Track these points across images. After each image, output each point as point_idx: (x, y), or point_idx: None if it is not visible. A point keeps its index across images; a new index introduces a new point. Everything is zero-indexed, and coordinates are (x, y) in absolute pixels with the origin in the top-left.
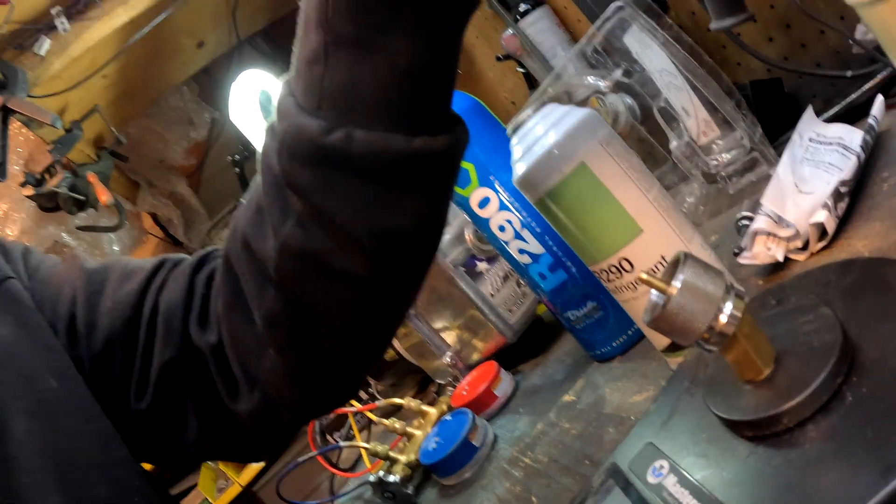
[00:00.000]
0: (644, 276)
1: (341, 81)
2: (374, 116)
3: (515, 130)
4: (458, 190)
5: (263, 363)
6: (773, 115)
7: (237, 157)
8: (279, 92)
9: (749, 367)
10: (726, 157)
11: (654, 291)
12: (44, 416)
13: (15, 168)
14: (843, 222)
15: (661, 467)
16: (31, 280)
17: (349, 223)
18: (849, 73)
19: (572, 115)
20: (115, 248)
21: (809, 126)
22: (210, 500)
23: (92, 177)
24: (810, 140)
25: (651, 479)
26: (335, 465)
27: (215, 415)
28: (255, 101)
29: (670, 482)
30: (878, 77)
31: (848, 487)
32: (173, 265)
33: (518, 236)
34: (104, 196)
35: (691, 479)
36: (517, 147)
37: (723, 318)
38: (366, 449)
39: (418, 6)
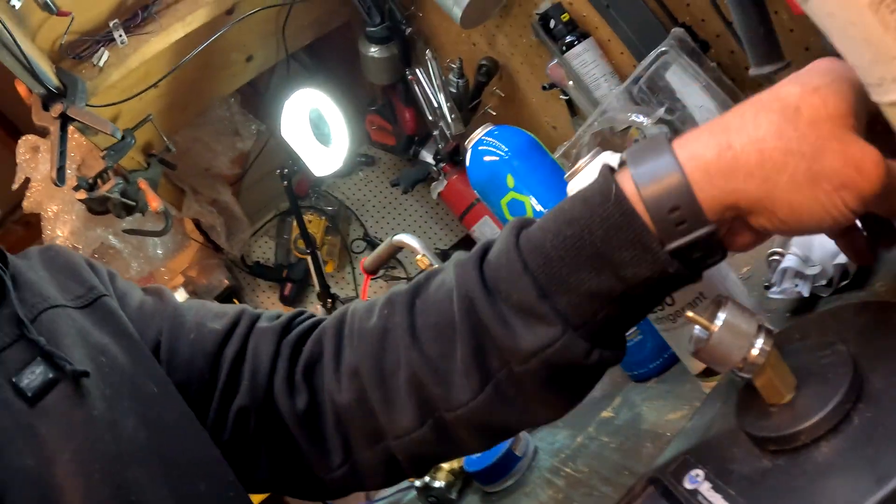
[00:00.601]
0: (690, 314)
1: (612, 318)
2: (619, 342)
3: (573, 175)
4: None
5: (369, 454)
6: None
7: (286, 170)
8: (511, 273)
9: (774, 393)
10: None
11: (697, 327)
12: (148, 416)
13: (67, 172)
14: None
15: (697, 476)
16: (119, 303)
17: (557, 403)
18: None
19: None
20: (159, 251)
21: None
22: None
23: (143, 183)
24: None
25: (688, 486)
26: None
27: (290, 467)
28: (306, 119)
29: (705, 488)
30: None
31: (848, 492)
32: (255, 318)
33: None
34: (155, 202)
35: (723, 485)
36: (573, 190)
37: (754, 352)
38: None
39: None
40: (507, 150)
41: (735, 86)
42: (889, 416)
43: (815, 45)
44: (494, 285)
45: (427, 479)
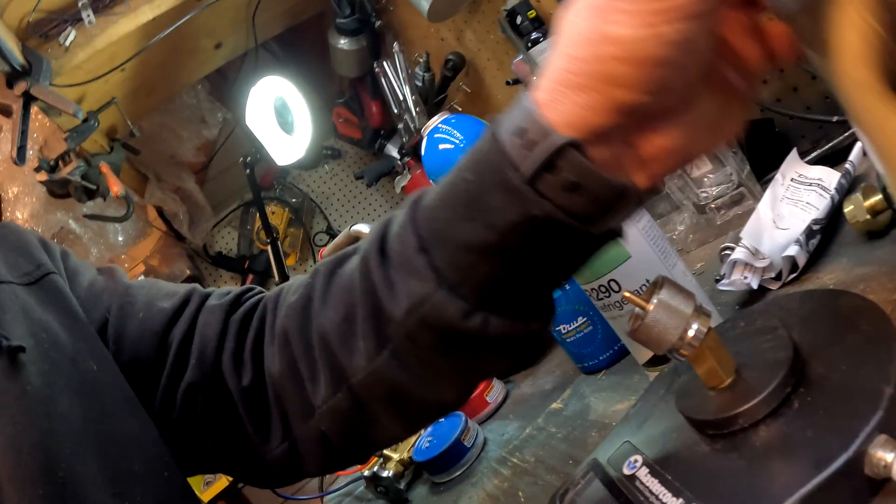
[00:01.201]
0: (627, 294)
1: (496, 277)
2: (512, 307)
3: None
4: None
5: (304, 429)
6: (763, 152)
7: (249, 159)
8: (397, 228)
9: (713, 376)
10: (715, 190)
11: (635, 307)
12: (86, 395)
13: (29, 153)
14: (814, 256)
15: (636, 461)
16: (69, 282)
17: (447, 379)
18: (835, 119)
19: None
20: (120, 238)
21: (792, 167)
22: (196, 492)
23: (105, 167)
24: (792, 180)
25: (626, 471)
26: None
27: (235, 446)
28: (270, 106)
29: (643, 473)
30: None
31: (788, 475)
32: (205, 296)
33: None
34: (116, 187)
35: (660, 469)
36: None
37: (690, 333)
38: None
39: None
40: (462, 138)
41: None
42: (829, 400)
43: None
44: (388, 245)
45: (375, 468)
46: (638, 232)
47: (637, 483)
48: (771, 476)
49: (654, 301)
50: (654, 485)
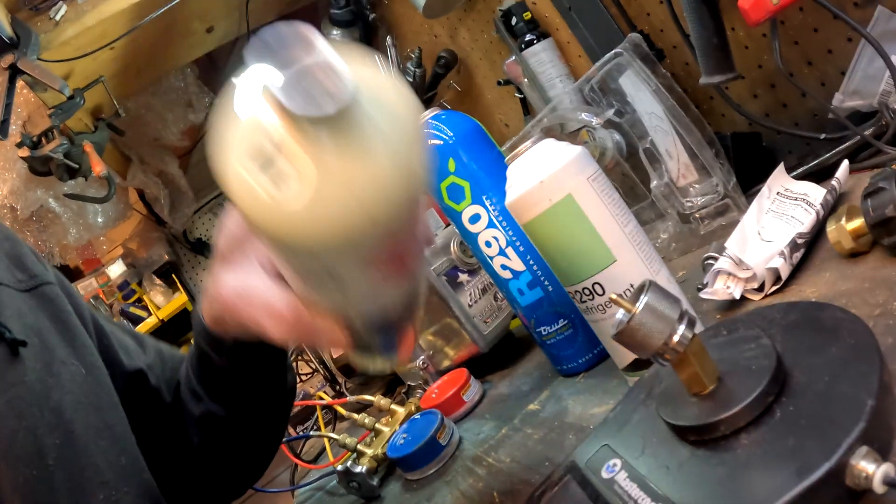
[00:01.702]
0: (613, 296)
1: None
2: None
3: (514, 159)
4: (451, 204)
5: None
6: (749, 165)
7: None
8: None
9: (696, 382)
10: (701, 200)
11: (620, 310)
12: (75, 394)
13: (12, 128)
14: (797, 270)
15: (615, 465)
16: (69, 296)
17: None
18: (822, 136)
19: (566, 152)
20: (99, 219)
21: (779, 181)
22: None
23: (88, 146)
24: (778, 193)
25: (605, 475)
26: (298, 456)
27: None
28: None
29: (621, 477)
30: (849, 143)
31: (769, 483)
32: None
33: (502, 253)
34: (98, 166)
35: (639, 474)
36: (513, 174)
37: (675, 338)
38: (334, 440)
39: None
40: (451, 134)
41: (686, 96)
42: (812, 409)
43: (769, 64)
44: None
45: (348, 463)
46: (624, 236)
47: (615, 487)
48: (752, 484)
49: (640, 304)
50: (633, 489)
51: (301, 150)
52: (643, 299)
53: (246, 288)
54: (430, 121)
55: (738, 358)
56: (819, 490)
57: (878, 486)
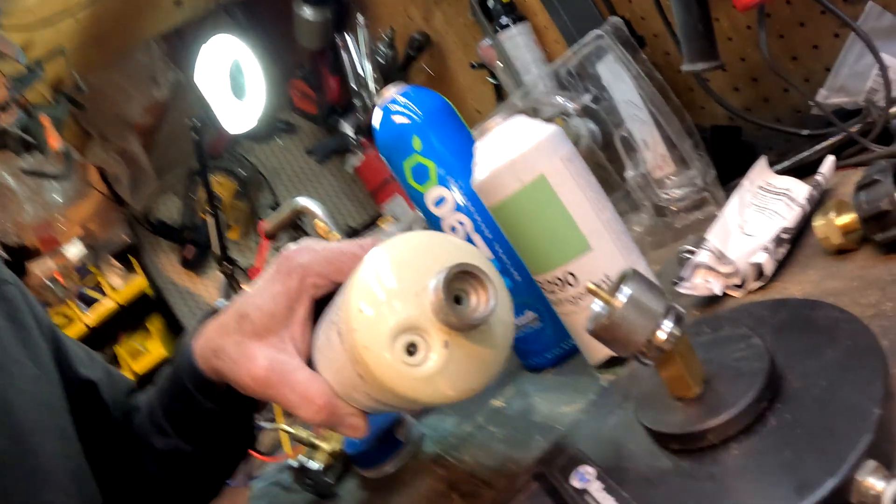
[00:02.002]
0: (591, 285)
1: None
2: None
3: (480, 135)
4: (415, 185)
5: None
6: (728, 160)
7: (196, 122)
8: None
9: (681, 385)
10: (678, 192)
11: (598, 302)
12: (29, 393)
13: None
14: (781, 267)
15: (587, 473)
16: (28, 302)
17: None
18: (805, 132)
19: (539, 130)
20: (58, 197)
21: (761, 175)
22: None
23: (45, 120)
24: (759, 187)
25: (576, 484)
26: (254, 448)
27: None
28: (225, 67)
29: (595, 487)
30: (832, 139)
31: (764, 500)
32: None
33: (468, 239)
34: (55, 141)
35: (616, 485)
36: (481, 152)
37: (661, 335)
38: (289, 433)
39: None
40: (419, 112)
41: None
42: (810, 418)
43: (752, 57)
44: None
45: (303, 458)
46: (600, 223)
47: (588, 498)
48: (746, 500)
49: (623, 297)
50: (609, 502)
51: (441, 337)
52: (625, 291)
53: (284, 370)
54: (396, 96)
55: (727, 359)
56: None
57: None
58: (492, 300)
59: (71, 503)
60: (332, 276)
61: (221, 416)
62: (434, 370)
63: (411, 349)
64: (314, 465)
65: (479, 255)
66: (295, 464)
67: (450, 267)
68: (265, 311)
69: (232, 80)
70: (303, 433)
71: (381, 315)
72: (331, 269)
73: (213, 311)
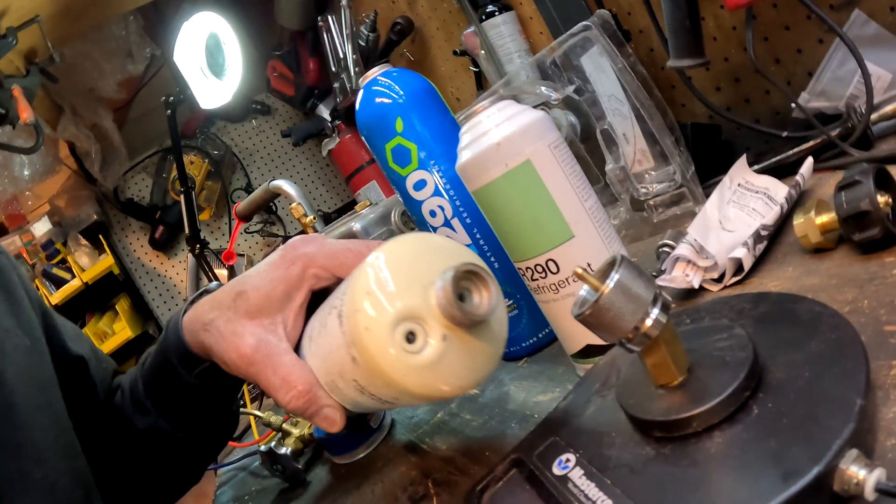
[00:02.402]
0: (579, 270)
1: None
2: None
3: (467, 119)
4: (395, 168)
5: None
6: (706, 158)
7: (172, 98)
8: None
9: (665, 372)
10: (656, 187)
11: (585, 287)
12: (14, 362)
13: None
14: (759, 263)
15: (568, 460)
16: (18, 274)
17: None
18: (784, 134)
19: (526, 114)
20: (26, 172)
21: (740, 172)
22: None
23: (17, 91)
24: (739, 185)
25: (557, 471)
26: (234, 435)
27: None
28: (202, 43)
29: (576, 475)
30: (812, 142)
31: (751, 489)
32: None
33: (447, 223)
34: (26, 113)
35: (597, 472)
36: (466, 135)
37: (648, 321)
38: (258, 417)
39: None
40: (402, 93)
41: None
42: (793, 407)
43: (736, 57)
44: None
45: (272, 444)
46: (584, 211)
47: (570, 486)
48: (730, 488)
49: (611, 281)
50: (591, 489)
51: (441, 330)
52: (614, 276)
53: (270, 353)
54: (379, 77)
55: (710, 348)
56: (805, 497)
57: (869, 493)
58: (494, 299)
59: (61, 480)
60: (335, 271)
61: (203, 394)
62: (430, 360)
63: (410, 337)
64: (284, 450)
65: (480, 259)
66: (264, 449)
67: (459, 265)
68: (262, 292)
69: (209, 57)
70: (273, 418)
71: (387, 300)
72: (335, 263)
73: (206, 291)
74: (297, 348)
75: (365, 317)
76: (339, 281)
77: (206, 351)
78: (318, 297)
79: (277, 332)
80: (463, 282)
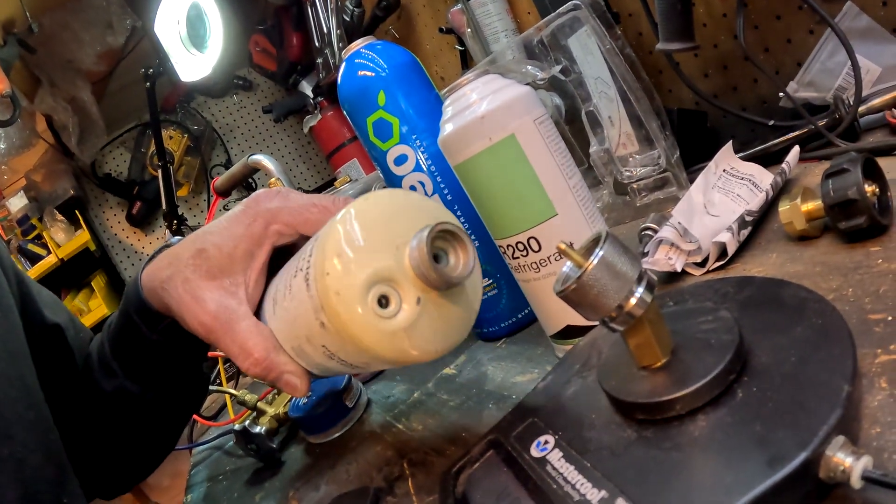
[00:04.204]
0: (563, 245)
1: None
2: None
3: (451, 91)
4: (376, 142)
5: None
6: (691, 144)
7: (151, 70)
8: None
9: (648, 353)
10: (640, 171)
11: (568, 264)
12: None
13: None
14: (742, 249)
15: (546, 442)
16: None
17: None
18: (771, 122)
19: (512, 88)
20: (2, 146)
21: (726, 158)
22: None
23: None
24: (724, 171)
25: (535, 453)
26: (204, 396)
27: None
28: (183, 13)
29: (555, 457)
30: (798, 132)
31: (735, 474)
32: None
33: None
34: (2, 84)
35: (577, 455)
36: (449, 108)
37: (633, 300)
38: (233, 396)
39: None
40: (385, 66)
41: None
42: (779, 392)
43: (725, 44)
44: None
45: (247, 422)
46: (568, 189)
47: (548, 468)
48: (714, 472)
49: (596, 258)
50: (570, 472)
51: (415, 293)
52: (598, 252)
53: (230, 319)
54: (363, 50)
55: (694, 330)
56: (791, 483)
57: (856, 481)
58: (471, 261)
59: (31, 456)
60: (299, 228)
61: (168, 351)
62: (403, 324)
63: (383, 301)
64: (259, 428)
65: (455, 218)
66: (238, 428)
67: (434, 224)
68: (224, 251)
69: (190, 29)
70: (248, 397)
71: (357, 262)
72: (299, 219)
73: (167, 245)
74: (258, 310)
75: (335, 280)
76: (304, 238)
77: (166, 308)
78: (281, 254)
79: (238, 295)
80: (438, 242)
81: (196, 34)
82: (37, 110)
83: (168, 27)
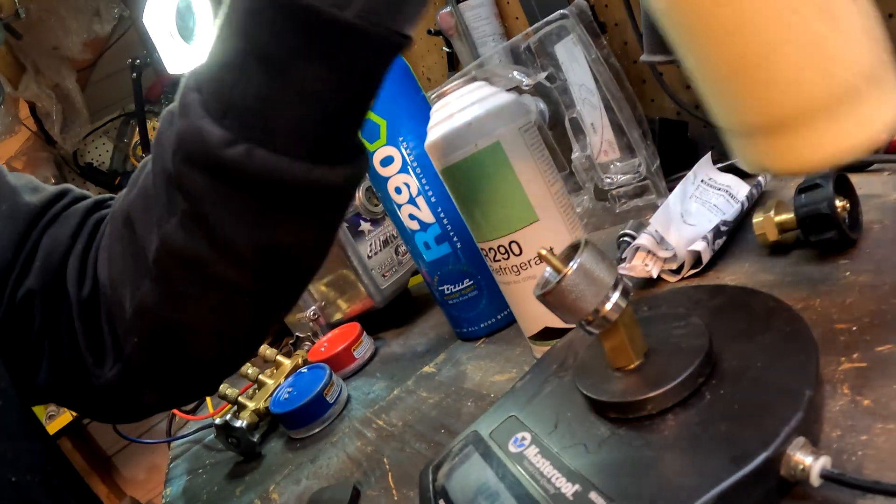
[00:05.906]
0: (543, 251)
1: (252, 95)
2: (278, 137)
3: (439, 97)
4: (363, 143)
5: (129, 342)
6: (672, 153)
7: (138, 60)
8: (184, 81)
9: (622, 356)
10: (621, 178)
11: (548, 269)
12: None
13: None
14: (717, 257)
15: (524, 439)
16: None
17: (233, 235)
18: None
19: (499, 96)
20: None
21: (704, 169)
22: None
23: None
24: (702, 181)
25: (512, 449)
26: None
27: (70, 367)
28: (173, 6)
29: (531, 452)
30: None
31: (701, 471)
32: (74, 199)
33: (412, 201)
34: None
35: (552, 450)
36: (437, 113)
37: (608, 305)
38: None
39: (334, 43)
40: None
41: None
42: (744, 396)
43: None
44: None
45: (228, 416)
46: (550, 196)
47: (525, 463)
48: (682, 469)
49: (574, 264)
50: (546, 467)
51: None
52: (577, 259)
53: None
54: None
55: (667, 335)
56: (754, 480)
57: (814, 479)
58: None
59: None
60: None
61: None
62: None
63: None
64: (239, 422)
65: None
66: (219, 422)
67: None
68: None
69: (179, 21)
70: (228, 391)
71: None
72: None
73: None
74: None
75: None
76: None
77: None
78: None
79: None
80: None
81: (185, 26)
82: (21, 96)
83: (157, 18)
